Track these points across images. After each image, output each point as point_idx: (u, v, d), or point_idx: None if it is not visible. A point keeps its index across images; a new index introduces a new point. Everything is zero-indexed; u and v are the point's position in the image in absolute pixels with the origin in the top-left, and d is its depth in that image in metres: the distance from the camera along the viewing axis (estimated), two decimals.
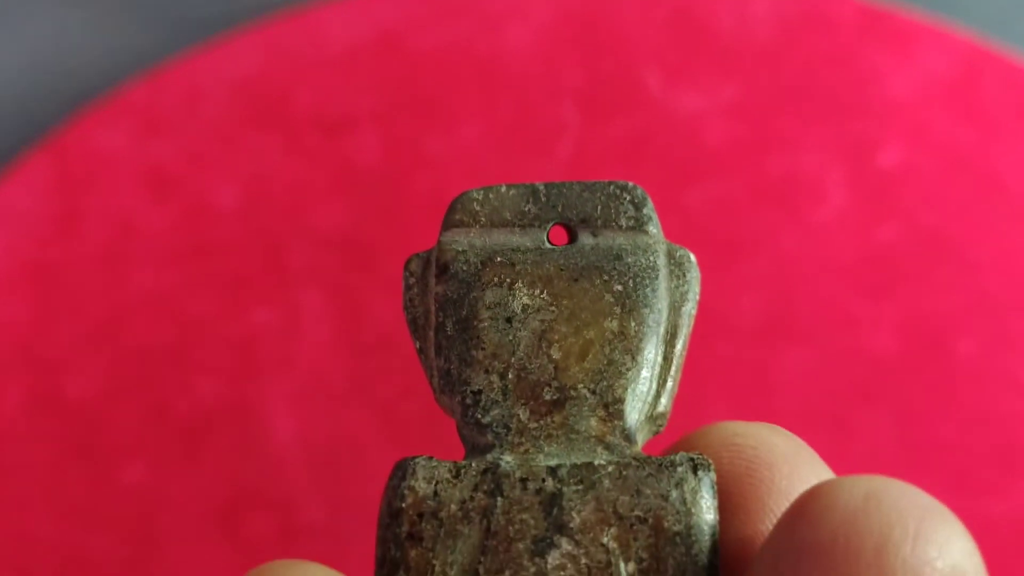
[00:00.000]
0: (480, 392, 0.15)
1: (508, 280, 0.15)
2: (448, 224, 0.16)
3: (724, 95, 0.36)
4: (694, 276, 0.15)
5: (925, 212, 0.34)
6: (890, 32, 0.36)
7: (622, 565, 0.13)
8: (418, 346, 0.16)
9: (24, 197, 0.36)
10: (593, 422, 0.14)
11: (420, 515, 0.13)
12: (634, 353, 0.15)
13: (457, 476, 0.14)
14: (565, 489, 0.13)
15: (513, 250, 0.15)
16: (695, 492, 0.13)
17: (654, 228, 0.16)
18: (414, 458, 0.14)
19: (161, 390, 0.33)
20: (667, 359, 0.15)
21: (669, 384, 0.15)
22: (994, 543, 0.31)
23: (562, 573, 0.13)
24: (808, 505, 0.12)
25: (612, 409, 0.14)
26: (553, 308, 0.15)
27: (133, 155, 0.36)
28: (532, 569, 0.13)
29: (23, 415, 0.33)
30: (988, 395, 0.32)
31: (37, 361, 0.34)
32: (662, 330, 0.15)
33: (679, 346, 0.15)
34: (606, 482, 0.13)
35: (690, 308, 0.15)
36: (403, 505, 0.13)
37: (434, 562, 0.13)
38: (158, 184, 0.36)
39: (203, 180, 0.36)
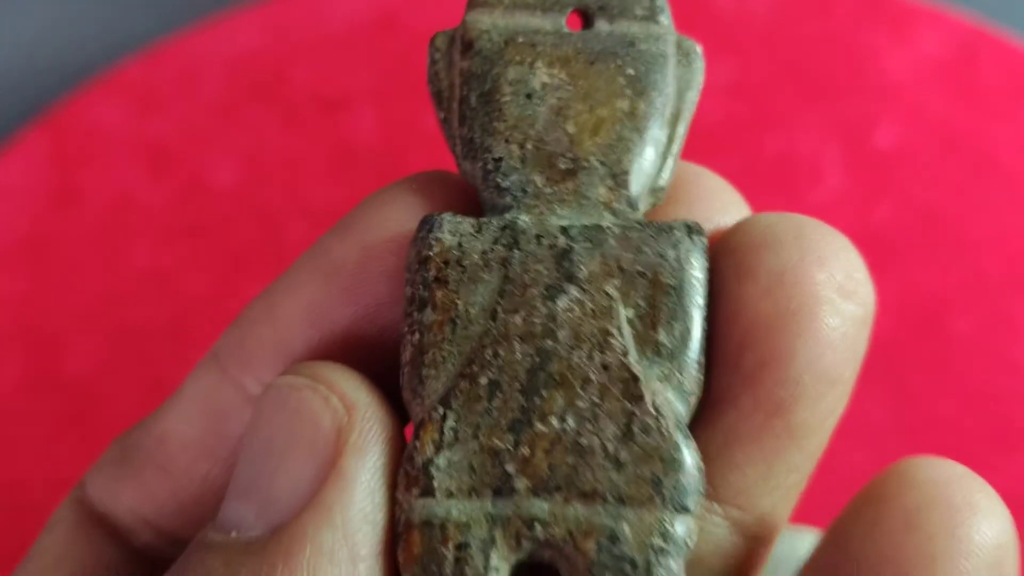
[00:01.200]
0: (501, 159, 0.16)
1: (529, 59, 0.16)
2: (473, 4, 0.17)
3: (721, 74, 0.36)
4: (699, 66, 0.16)
5: (921, 192, 0.34)
6: (887, 13, 0.37)
7: (622, 310, 0.15)
8: (442, 116, 0.17)
9: (21, 173, 0.36)
10: (602, 190, 0.15)
11: (446, 262, 0.15)
12: (642, 131, 0.16)
13: (479, 231, 0.15)
14: (575, 245, 0.15)
15: (534, 31, 0.16)
16: (689, 252, 0.15)
17: (665, 19, 0.16)
18: (439, 214, 0.15)
19: (158, 366, 0.33)
20: (670, 139, 0.16)
21: (670, 161, 0.16)
22: None
23: (570, 314, 0.15)
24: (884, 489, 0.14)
25: (619, 179, 0.16)
26: (570, 87, 0.16)
27: (130, 132, 0.36)
28: (544, 311, 0.15)
29: (20, 391, 0.33)
30: (984, 373, 0.32)
31: (34, 337, 0.34)
32: (668, 113, 0.16)
33: (681, 128, 0.16)
34: (611, 241, 0.15)
35: (693, 95, 0.16)
36: (430, 253, 0.15)
37: (457, 302, 0.15)
38: (155, 161, 0.36)
39: (200, 157, 0.36)
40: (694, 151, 0.35)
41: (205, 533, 0.14)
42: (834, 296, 0.14)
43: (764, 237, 0.14)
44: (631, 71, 0.16)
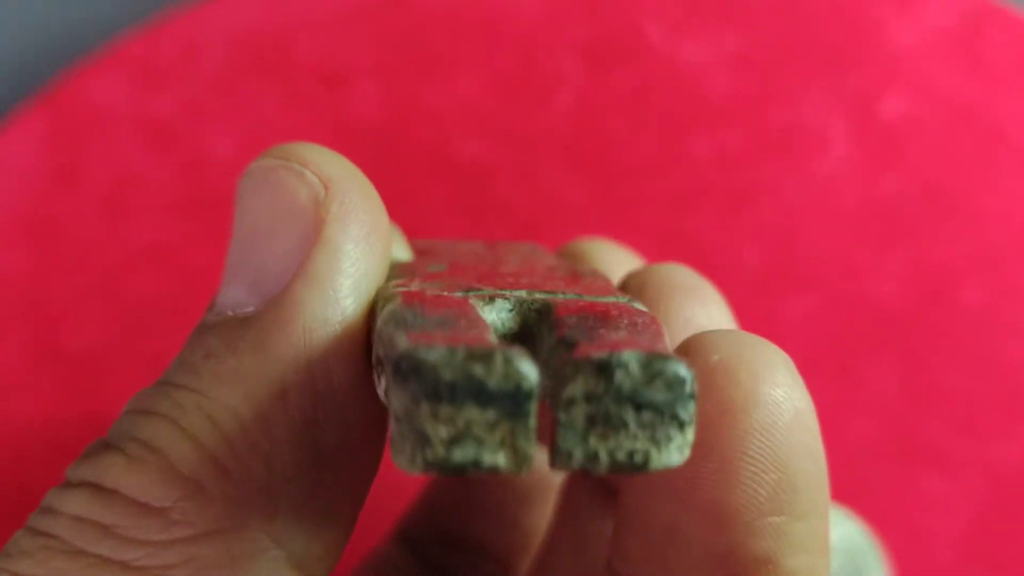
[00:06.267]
0: None
1: None
2: None
3: (726, 46, 0.36)
4: None
5: (928, 163, 0.34)
6: None
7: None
8: None
9: (22, 150, 0.35)
10: None
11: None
12: None
13: None
14: None
15: None
16: None
17: None
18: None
19: (161, 341, 0.33)
20: None
21: None
22: (998, 488, 0.31)
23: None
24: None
25: None
26: None
27: (131, 108, 0.36)
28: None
29: (22, 367, 0.33)
30: (992, 343, 0.32)
31: (36, 313, 0.34)
32: None
33: None
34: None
35: None
36: None
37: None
38: (157, 137, 0.36)
39: (202, 132, 0.35)
40: (700, 122, 0.35)
41: (203, 319, 0.14)
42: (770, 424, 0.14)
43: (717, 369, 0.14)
44: None
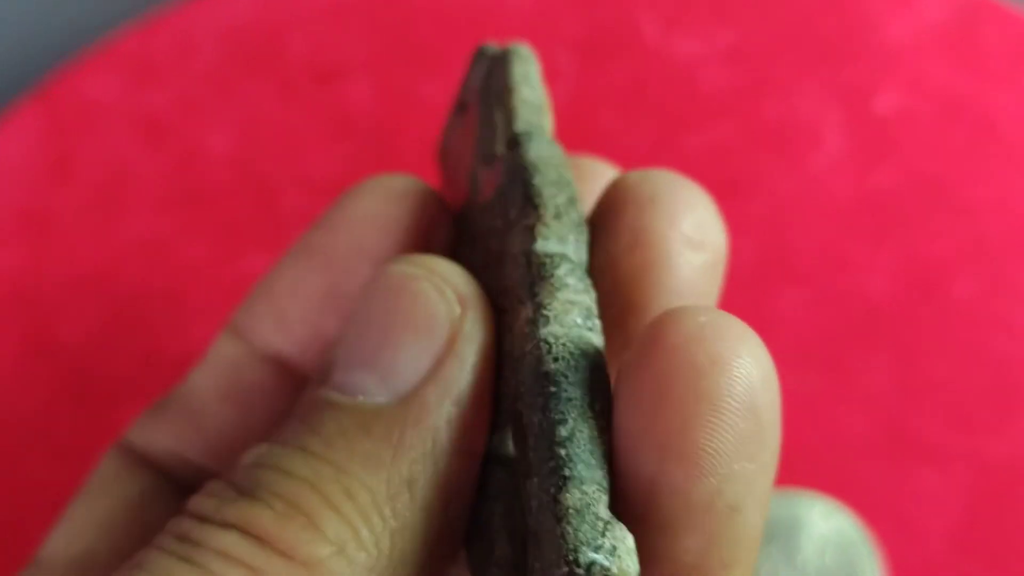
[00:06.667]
0: None
1: None
2: None
3: (721, 41, 0.36)
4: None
5: (921, 157, 0.34)
6: None
7: None
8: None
9: (17, 145, 0.36)
10: None
11: None
12: None
13: None
14: None
15: None
16: None
17: None
18: None
19: (155, 334, 0.33)
20: None
21: None
22: (989, 481, 0.31)
23: None
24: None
25: None
26: None
27: (126, 103, 0.36)
28: None
29: (17, 359, 0.33)
30: (983, 336, 0.32)
31: (32, 306, 0.34)
32: None
33: None
34: None
35: None
36: None
37: None
38: (151, 132, 0.36)
39: (196, 127, 0.36)
40: (694, 116, 0.35)
41: (322, 393, 0.16)
42: (683, 249, 0.17)
43: (625, 197, 0.17)
44: None
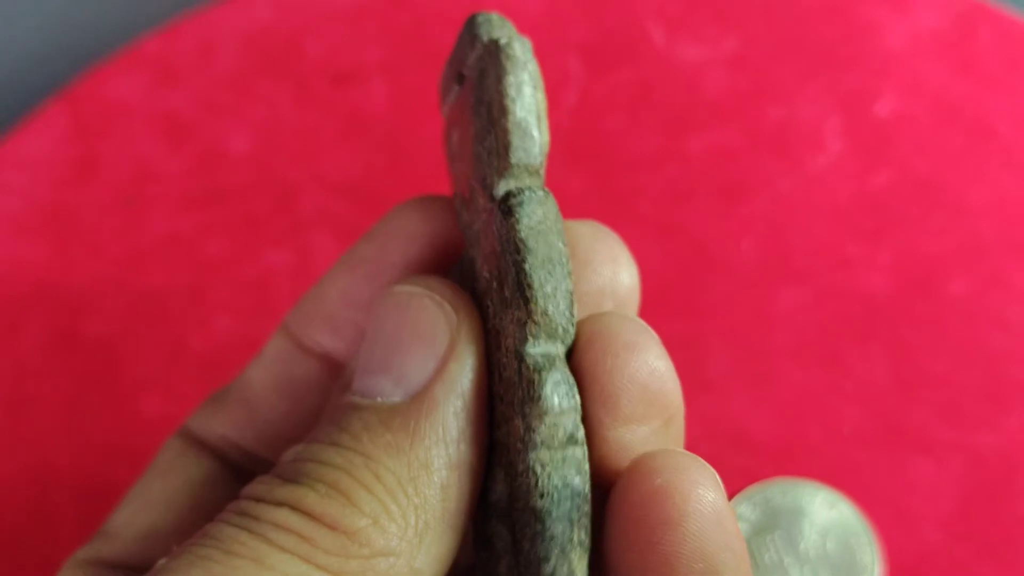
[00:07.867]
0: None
1: None
2: None
3: (725, 47, 0.36)
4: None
5: (919, 159, 0.35)
6: None
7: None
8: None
9: (44, 145, 0.36)
10: None
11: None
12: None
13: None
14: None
15: None
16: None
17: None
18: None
19: (177, 328, 0.33)
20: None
21: None
22: (983, 472, 0.31)
23: None
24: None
25: None
26: None
27: (148, 104, 0.36)
28: None
29: (43, 352, 0.34)
30: (978, 333, 0.32)
31: (57, 301, 0.34)
32: None
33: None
34: None
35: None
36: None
37: None
38: (172, 132, 0.36)
39: (217, 128, 0.36)
40: (698, 119, 0.35)
41: (347, 397, 0.19)
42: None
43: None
44: None
